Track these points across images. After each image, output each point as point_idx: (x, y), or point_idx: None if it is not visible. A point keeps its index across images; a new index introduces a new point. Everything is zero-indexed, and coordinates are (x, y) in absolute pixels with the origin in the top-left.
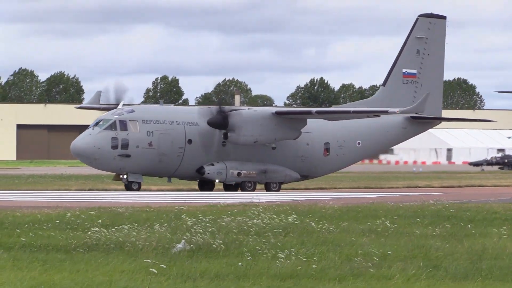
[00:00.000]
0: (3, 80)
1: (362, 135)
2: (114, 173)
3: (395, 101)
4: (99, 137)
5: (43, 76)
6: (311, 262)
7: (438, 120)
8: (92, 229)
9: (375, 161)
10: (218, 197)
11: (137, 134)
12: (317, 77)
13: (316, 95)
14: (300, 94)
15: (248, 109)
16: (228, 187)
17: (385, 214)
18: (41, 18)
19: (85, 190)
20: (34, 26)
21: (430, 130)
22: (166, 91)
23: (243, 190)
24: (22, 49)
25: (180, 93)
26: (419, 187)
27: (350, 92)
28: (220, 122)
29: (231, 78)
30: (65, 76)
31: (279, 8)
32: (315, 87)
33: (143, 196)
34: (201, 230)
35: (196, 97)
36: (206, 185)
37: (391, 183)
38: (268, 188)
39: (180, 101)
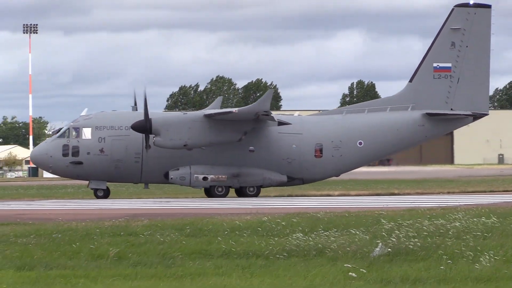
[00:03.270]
0: (201, 88)
1: (364, 134)
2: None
3: (423, 97)
4: (52, 145)
5: (240, 84)
6: (511, 264)
7: (465, 116)
8: (293, 235)
9: None
10: (416, 200)
11: (88, 141)
12: None
13: None
14: (498, 97)
15: (182, 112)
16: (207, 193)
17: None
18: (242, 26)
19: (284, 197)
20: (235, 34)
21: None
22: (362, 95)
23: (213, 195)
24: (221, 56)
25: (376, 97)
26: None
27: None
28: (143, 127)
29: None
30: (263, 83)
31: None
32: None
33: (342, 201)
34: (399, 234)
35: None
36: (207, 191)
37: None
38: (244, 192)
39: None
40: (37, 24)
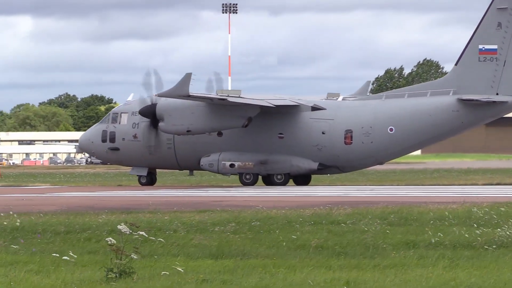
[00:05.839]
0: (407, 71)
1: (395, 120)
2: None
3: (469, 81)
4: (94, 130)
5: (448, 67)
6: None
7: (503, 102)
8: (502, 225)
9: None
10: None
11: (124, 127)
12: None
13: None
14: None
15: None
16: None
17: None
18: (455, 7)
19: (492, 185)
20: (447, 15)
21: None
22: None
23: (242, 183)
24: (431, 39)
25: None
26: None
27: None
28: (149, 112)
29: None
30: None
31: None
32: None
33: None
34: None
35: None
36: (266, 179)
37: None
38: (272, 180)
39: None
40: (236, 4)
